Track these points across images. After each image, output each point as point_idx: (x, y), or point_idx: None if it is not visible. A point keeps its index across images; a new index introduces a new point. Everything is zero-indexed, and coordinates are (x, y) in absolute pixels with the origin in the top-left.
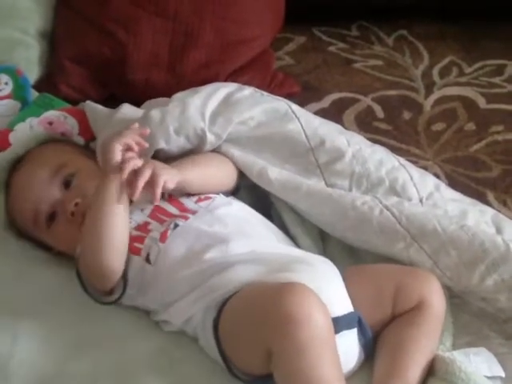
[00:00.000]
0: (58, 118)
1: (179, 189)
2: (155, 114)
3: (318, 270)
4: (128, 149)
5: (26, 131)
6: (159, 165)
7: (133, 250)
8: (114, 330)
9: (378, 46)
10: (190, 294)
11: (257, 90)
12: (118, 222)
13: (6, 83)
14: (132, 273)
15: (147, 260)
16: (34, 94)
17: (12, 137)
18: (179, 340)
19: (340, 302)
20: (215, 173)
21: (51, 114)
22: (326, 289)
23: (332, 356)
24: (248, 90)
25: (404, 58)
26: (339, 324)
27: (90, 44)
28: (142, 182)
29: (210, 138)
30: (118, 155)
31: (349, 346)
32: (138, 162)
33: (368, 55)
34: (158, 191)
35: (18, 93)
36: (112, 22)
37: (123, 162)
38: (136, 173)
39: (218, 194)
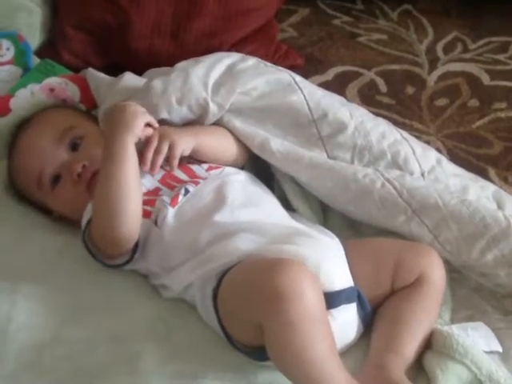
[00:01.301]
0: (60, 84)
1: (193, 153)
2: (157, 83)
3: (319, 243)
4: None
5: (27, 97)
6: (174, 133)
7: (143, 213)
8: (113, 297)
9: (383, 21)
10: (192, 259)
11: (260, 60)
12: (134, 186)
13: (8, 49)
14: (140, 236)
15: (155, 223)
16: (35, 61)
17: (13, 103)
18: (177, 308)
19: (340, 276)
20: (228, 146)
21: (53, 80)
22: (327, 262)
23: (324, 333)
24: (251, 61)
25: (408, 33)
26: (339, 298)
27: (93, 11)
28: (160, 159)
29: (213, 108)
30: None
31: (348, 320)
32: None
33: (372, 29)
34: (176, 162)
35: (20, 59)
36: None
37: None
38: (149, 143)
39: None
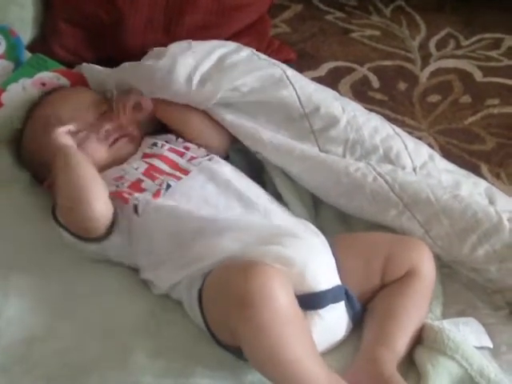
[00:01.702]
0: (51, 79)
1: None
2: (145, 69)
3: (305, 243)
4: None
5: (19, 92)
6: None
7: (122, 200)
8: (104, 291)
9: (376, 17)
10: (176, 253)
11: (254, 52)
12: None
13: None
14: (122, 220)
15: (135, 211)
16: (27, 55)
17: (4, 97)
18: (169, 303)
19: (326, 276)
20: (201, 119)
21: (44, 74)
22: (313, 262)
23: (298, 333)
24: (245, 52)
25: (401, 29)
26: (326, 298)
27: (86, 5)
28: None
29: (194, 101)
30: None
31: (336, 319)
32: None
33: (365, 25)
34: (126, 105)
35: (11, 53)
36: None
37: None
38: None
39: (210, 154)
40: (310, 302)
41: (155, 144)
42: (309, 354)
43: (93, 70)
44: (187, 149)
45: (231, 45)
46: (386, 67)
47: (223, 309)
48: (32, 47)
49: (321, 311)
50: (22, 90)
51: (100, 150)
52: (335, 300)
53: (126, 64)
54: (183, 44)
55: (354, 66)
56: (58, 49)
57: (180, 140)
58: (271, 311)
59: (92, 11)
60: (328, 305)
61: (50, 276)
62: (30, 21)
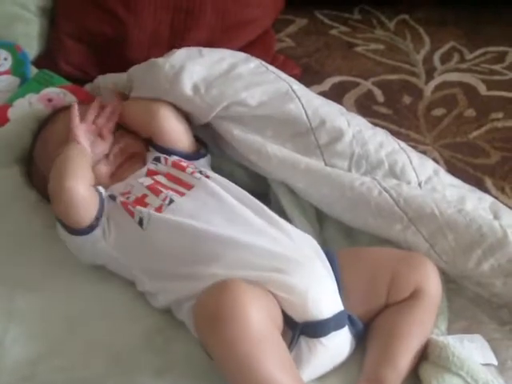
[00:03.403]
0: (58, 95)
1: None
2: (152, 71)
3: (307, 270)
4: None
5: (25, 107)
6: None
7: (129, 212)
8: (109, 308)
9: (380, 30)
10: (178, 270)
11: (263, 63)
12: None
13: (6, 59)
14: (124, 231)
15: (140, 223)
16: (33, 71)
17: (11, 112)
18: (174, 319)
19: (329, 303)
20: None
21: (51, 90)
22: (315, 290)
23: (269, 352)
24: (254, 63)
25: (405, 43)
26: (327, 326)
27: (91, 21)
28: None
29: (197, 110)
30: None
31: (338, 345)
32: None
33: (369, 39)
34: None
35: (17, 69)
36: None
37: None
38: None
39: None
40: (313, 330)
41: (158, 159)
42: (282, 372)
43: (106, 78)
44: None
45: (241, 55)
46: (391, 81)
47: (196, 325)
48: (38, 63)
49: (323, 339)
50: (29, 105)
51: (107, 174)
52: (338, 327)
53: (136, 66)
54: (193, 51)
55: (359, 80)
56: (64, 64)
57: None
58: (239, 328)
59: (96, 26)
60: (330, 332)
61: (56, 294)
62: (36, 37)
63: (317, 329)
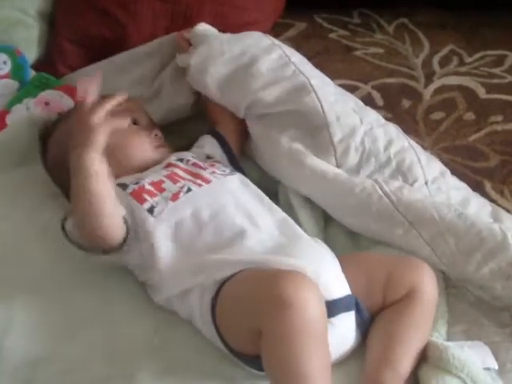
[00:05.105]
0: (54, 97)
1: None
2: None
3: (316, 253)
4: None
5: (23, 112)
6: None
7: (139, 200)
8: (108, 311)
9: (379, 34)
10: (189, 260)
11: (286, 52)
12: (103, 195)
13: (5, 62)
14: (132, 223)
15: (150, 211)
16: (32, 74)
17: (9, 118)
18: (174, 321)
19: (338, 285)
20: None
21: (47, 93)
22: (324, 271)
23: (321, 350)
24: (276, 53)
25: (404, 47)
26: (338, 306)
27: (90, 25)
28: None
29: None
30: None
31: (347, 329)
32: None
33: (369, 43)
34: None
35: (17, 72)
36: (112, 3)
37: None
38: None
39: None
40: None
41: (181, 159)
42: (324, 373)
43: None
44: (212, 166)
45: (264, 43)
46: (390, 85)
47: (249, 313)
48: (37, 67)
49: (333, 319)
50: (26, 110)
51: (147, 149)
52: (347, 309)
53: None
54: (215, 46)
55: (358, 83)
56: (63, 68)
57: (208, 160)
58: (305, 317)
59: (96, 30)
60: (340, 313)
61: (56, 296)
62: (35, 41)
63: (328, 308)
